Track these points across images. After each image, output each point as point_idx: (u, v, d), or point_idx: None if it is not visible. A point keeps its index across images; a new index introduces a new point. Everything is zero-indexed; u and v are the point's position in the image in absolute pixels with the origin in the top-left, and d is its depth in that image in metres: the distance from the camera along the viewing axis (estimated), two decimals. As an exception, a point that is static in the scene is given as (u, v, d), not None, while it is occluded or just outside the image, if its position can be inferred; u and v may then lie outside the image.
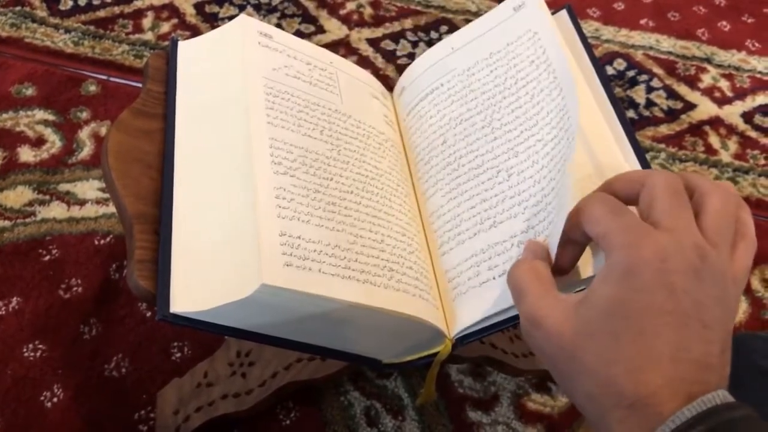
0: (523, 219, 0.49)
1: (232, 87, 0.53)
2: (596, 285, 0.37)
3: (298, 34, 1.07)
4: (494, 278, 0.47)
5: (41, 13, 1.07)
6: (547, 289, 0.40)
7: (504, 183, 0.51)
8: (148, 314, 0.75)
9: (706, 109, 1.02)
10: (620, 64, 1.07)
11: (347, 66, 0.60)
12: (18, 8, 1.07)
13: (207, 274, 0.44)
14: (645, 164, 0.49)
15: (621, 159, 0.49)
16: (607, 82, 0.53)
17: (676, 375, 0.35)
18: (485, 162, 0.52)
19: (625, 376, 0.35)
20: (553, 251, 0.43)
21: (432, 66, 0.59)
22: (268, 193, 0.46)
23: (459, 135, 0.54)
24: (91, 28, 1.05)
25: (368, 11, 1.12)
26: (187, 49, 0.57)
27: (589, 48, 0.56)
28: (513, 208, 0.49)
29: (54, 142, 0.90)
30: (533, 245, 0.44)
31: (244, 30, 0.56)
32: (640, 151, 0.49)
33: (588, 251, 0.44)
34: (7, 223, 0.81)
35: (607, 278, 0.37)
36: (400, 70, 1.03)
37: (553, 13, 0.57)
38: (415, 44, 1.08)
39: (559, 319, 0.38)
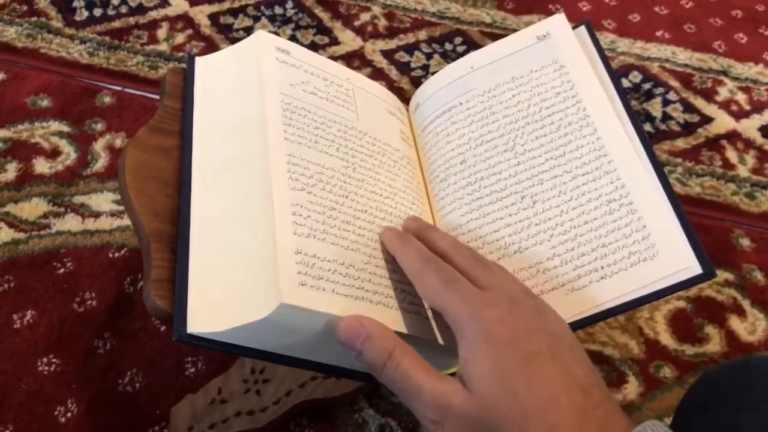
0: (549, 246, 0.49)
1: (249, 103, 0.52)
2: (467, 361, 0.39)
3: (313, 45, 1.07)
4: None
5: (57, 23, 1.07)
6: (438, 376, 0.40)
7: (529, 209, 0.51)
8: (162, 328, 0.74)
9: (723, 122, 1.01)
10: (636, 76, 1.07)
11: (364, 82, 0.60)
12: (34, 19, 1.07)
13: (224, 294, 0.44)
14: (664, 180, 0.49)
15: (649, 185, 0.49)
16: (624, 96, 0.54)
17: (575, 406, 0.37)
18: (508, 186, 0.52)
19: (539, 427, 0.37)
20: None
21: (450, 83, 0.59)
22: (285, 208, 0.46)
23: (480, 156, 0.54)
24: (107, 38, 1.05)
25: (382, 23, 1.12)
26: (204, 65, 0.57)
27: (608, 63, 0.56)
28: (538, 235, 0.50)
29: (69, 153, 0.90)
30: (392, 338, 0.42)
31: (262, 45, 0.55)
32: (658, 166, 0.50)
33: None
34: (22, 235, 0.81)
35: (473, 350, 0.39)
36: (414, 82, 1.03)
37: (572, 29, 0.57)
38: (429, 56, 1.07)
39: (463, 400, 0.38)
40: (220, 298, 0.44)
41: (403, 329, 0.45)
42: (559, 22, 0.57)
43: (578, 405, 0.37)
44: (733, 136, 1.00)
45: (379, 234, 0.49)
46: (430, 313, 0.48)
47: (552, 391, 0.37)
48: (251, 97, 0.53)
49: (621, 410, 0.39)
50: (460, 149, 0.55)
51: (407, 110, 0.62)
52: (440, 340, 0.47)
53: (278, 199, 0.46)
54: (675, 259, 0.46)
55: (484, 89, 0.57)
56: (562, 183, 0.51)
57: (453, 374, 0.48)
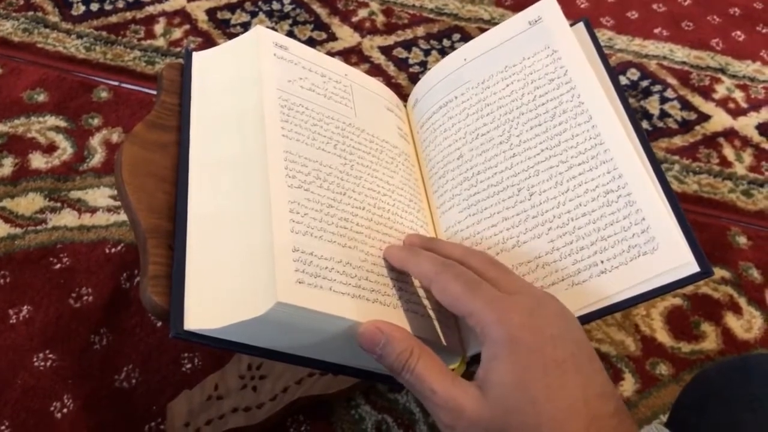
0: (547, 240, 0.48)
1: (246, 99, 0.52)
2: (490, 365, 0.39)
3: (310, 41, 1.07)
4: None
5: (53, 18, 1.06)
6: (452, 379, 0.40)
7: (526, 202, 0.50)
8: (159, 324, 0.74)
9: (720, 120, 1.01)
10: (634, 74, 1.07)
11: (362, 78, 0.60)
12: (30, 13, 1.06)
13: (221, 291, 0.44)
14: (662, 177, 0.48)
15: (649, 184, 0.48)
16: (623, 93, 0.53)
17: (591, 414, 0.37)
18: (504, 179, 0.52)
19: None
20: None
21: (445, 78, 0.58)
22: (282, 206, 0.45)
23: (476, 150, 0.54)
24: (103, 33, 1.05)
25: (380, 19, 1.12)
26: (201, 60, 0.57)
27: (606, 61, 0.55)
28: (536, 228, 0.49)
29: (65, 148, 0.90)
30: (409, 341, 0.43)
31: (260, 41, 0.55)
32: (656, 164, 0.49)
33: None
34: (18, 231, 0.81)
35: (498, 355, 0.39)
36: (412, 78, 1.03)
37: (570, 26, 0.57)
38: (427, 52, 1.07)
39: (476, 405, 0.39)
40: (217, 295, 0.43)
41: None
42: (549, 5, 0.56)
43: (594, 414, 0.37)
44: (730, 134, 1.00)
45: (383, 253, 0.48)
46: (432, 314, 0.48)
47: (570, 400, 0.37)
48: (249, 93, 0.52)
49: (631, 417, 0.39)
50: (456, 144, 0.55)
51: (405, 107, 0.62)
52: (443, 341, 0.47)
53: (275, 197, 0.46)
54: (674, 253, 0.45)
55: (478, 81, 0.56)
56: (558, 173, 0.50)
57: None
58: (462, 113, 0.56)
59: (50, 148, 0.90)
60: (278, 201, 0.46)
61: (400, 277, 0.48)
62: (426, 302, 0.48)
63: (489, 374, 0.39)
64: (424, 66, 1.05)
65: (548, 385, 0.38)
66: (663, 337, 0.79)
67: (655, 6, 1.18)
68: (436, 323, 0.48)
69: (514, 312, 0.39)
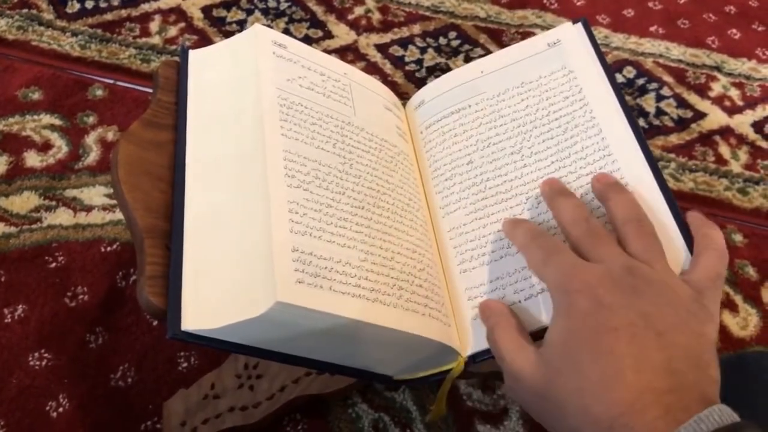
0: None
1: (244, 97, 0.52)
2: (550, 328, 0.41)
3: (306, 39, 1.06)
4: (520, 302, 0.47)
5: (48, 15, 1.06)
6: (522, 345, 0.43)
7: (533, 209, 0.51)
8: (155, 323, 0.74)
9: (716, 118, 1.01)
10: (630, 72, 1.07)
11: (361, 77, 0.60)
12: (25, 11, 1.06)
13: (219, 291, 0.44)
14: (658, 175, 0.49)
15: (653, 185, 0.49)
16: (620, 91, 0.54)
17: (642, 386, 0.36)
18: (513, 188, 0.53)
19: (595, 401, 0.37)
20: None
21: (460, 85, 0.59)
22: (281, 206, 0.45)
23: (486, 158, 0.55)
24: (98, 31, 1.04)
25: (376, 16, 1.12)
26: (198, 58, 0.57)
27: (603, 59, 0.56)
28: None
29: (60, 147, 0.89)
30: (498, 312, 0.46)
31: (258, 39, 0.55)
32: (652, 161, 0.50)
33: None
34: (13, 229, 0.81)
35: (554, 319, 0.41)
36: (408, 76, 1.02)
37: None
38: (423, 50, 1.07)
39: (531, 368, 0.41)
40: (215, 295, 0.43)
41: (399, 326, 0.45)
42: (569, 29, 0.58)
43: (645, 386, 0.36)
44: (726, 132, 1.00)
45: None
46: (432, 314, 0.48)
47: (617, 368, 0.37)
48: (247, 92, 0.52)
49: (711, 401, 0.36)
50: (467, 150, 0.56)
51: (403, 106, 0.62)
52: (441, 341, 0.47)
53: (274, 197, 0.45)
54: (673, 256, 0.46)
55: (494, 93, 0.57)
56: (566, 183, 0.51)
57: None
58: (475, 122, 0.57)
59: (45, 147, 0.89)
60: (277, 201, 0.45)
61: (400, 276, 0.48)
62: (426, 301, 0.48)
63: (547, 336, 0.41)
64: (420, 64, 1.05)
65: (595, 349, 0.38)
66: (659, 335, 0.79)
67: (650, 4, 1.18)
68: (435, 323, 0.48)
69: (579, 278, 0.41)
